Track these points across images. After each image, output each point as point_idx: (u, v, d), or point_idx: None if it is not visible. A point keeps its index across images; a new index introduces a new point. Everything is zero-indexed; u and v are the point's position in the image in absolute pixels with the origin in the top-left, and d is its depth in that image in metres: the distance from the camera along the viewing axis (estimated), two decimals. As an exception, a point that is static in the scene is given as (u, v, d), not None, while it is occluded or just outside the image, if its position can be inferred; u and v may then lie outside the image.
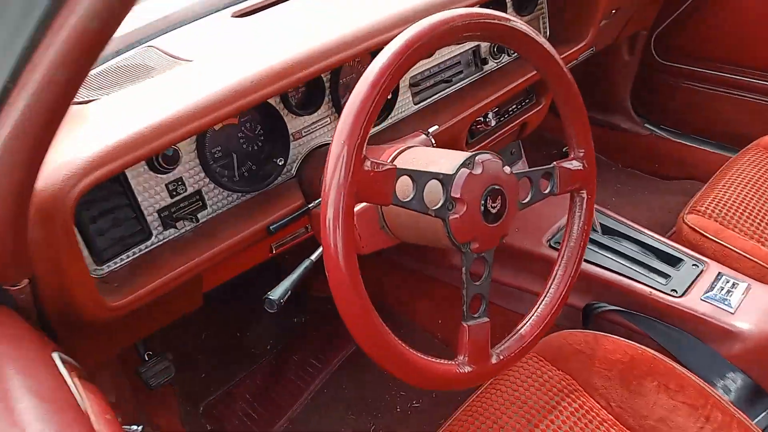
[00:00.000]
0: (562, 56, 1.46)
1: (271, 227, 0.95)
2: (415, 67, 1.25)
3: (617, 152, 2.38)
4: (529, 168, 1.68)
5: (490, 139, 1.45)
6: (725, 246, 1.40)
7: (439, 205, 0.79)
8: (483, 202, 0.81)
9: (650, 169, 2.31)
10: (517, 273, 1.49)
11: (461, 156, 0.82)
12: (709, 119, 2.17)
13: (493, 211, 0.83)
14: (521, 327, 0.93)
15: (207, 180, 0.97)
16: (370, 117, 0.69)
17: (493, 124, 1.41)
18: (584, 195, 0.98)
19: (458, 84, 1.34)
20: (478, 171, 0.81)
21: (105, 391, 1.33)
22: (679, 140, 2.25)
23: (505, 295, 1.54)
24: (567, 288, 0.97)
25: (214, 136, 0.99)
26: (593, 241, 1.40)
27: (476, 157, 0.82)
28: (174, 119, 0.82)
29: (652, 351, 1.13)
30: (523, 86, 1.40)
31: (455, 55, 1.32)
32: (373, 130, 1.19)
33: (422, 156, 0.90)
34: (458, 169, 0.80)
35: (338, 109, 1.12)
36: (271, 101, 1.02)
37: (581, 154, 0.96)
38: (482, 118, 1.39)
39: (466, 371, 0.83)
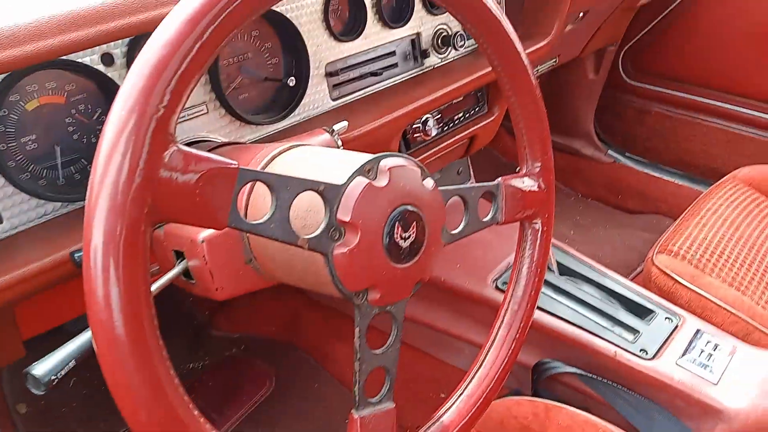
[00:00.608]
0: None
1: (76, 255, 0.65)
2: (336, 53, 0.97)
3: (577, 180, 2.16)
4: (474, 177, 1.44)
5: (430, 152, 1.19)
6: (702, 296, 1.17)
7: (318, 231, 0.51)
8: (388, 230, 0.54)
9: (612, 200, 2.10)
10: (455, 318, 1.23)
11: (359, 159, 0.55)
12: (679, 148, 1.97)
13: (404, 244, 0.55)
14: (444, 412, 0.65)
15: (2, 182, 0.67)
16: (188, 71, 0.41)
17: (433, 134, 1.15)
18: (538, 226, 0.71)
19: (391, 80, 1.07)
20: (382, 182, 0.54)
21: None
22: (645, 170, 2.05)
23: (442, 344, 1.28)
24: (510, 355, 0.70)
25: (25, 117, 0.70)
26: (548, 284, 1.16)
27: (381, 162, 0.54)
28: None
29: (616, 429, 0.90)
30: (472, 87, 1.15)
31: (389, 42, 1.05)
32: (270, 129, 0.91)
33: (309, 159, 0.63)
34: (351, 178, 0.52)
35: (219, 95, 0.83)
36: (112, 74, 0.73)
37: (537, 169, 0.70)
38: (421, 126, 1.13)
39: None
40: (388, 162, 0.55)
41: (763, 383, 0.94)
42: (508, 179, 0.68)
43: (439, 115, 1.18)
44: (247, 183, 0.45)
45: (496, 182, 0.67)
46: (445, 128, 1.20)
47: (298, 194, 0.48)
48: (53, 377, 0.53)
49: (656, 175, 2.02)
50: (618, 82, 2.05)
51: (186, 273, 0.64)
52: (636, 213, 2.03)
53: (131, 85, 0.40)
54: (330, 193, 0.51)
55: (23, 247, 0.67)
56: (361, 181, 0.52)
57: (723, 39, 1.77)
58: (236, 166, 0.45)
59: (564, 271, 1.21)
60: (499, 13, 0.63)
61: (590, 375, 1.04)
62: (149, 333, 0.40)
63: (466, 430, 0.65)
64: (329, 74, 0.97)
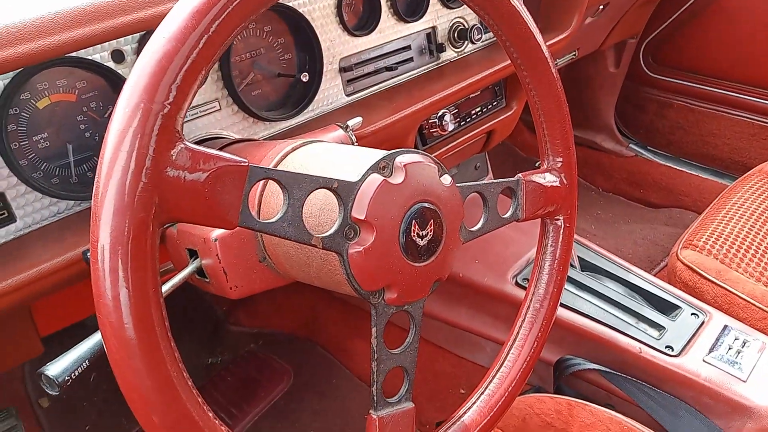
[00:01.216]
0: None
1: (88, 253, 0.64)
2: (350, 48, 0.96)
3: (598, 175, 2.12)
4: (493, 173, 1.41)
5: (447, 147, 1.17)
6: (729, 291, 1.14)
7: (332, 230, 0.49)
8: (405, 228, 0.52)
9: (635, 195, 2.06)
10: (475, 314, 1.21)
11: (374, 156, 0.53)
12: (703, 141, 1.92)
13: (422, 242, 0.54)
14: (464, 412, 0.64)
15: (14, 180, 0.67)
16: (194, 66, 0.40)
17: (450, 129, 1.13)
18: (560, 222, 0.69)
19: (406, 74, 1.05)
20: (398, 179, 0.52)
21: None
22: (667, 164, 2.00)
23: (462, 341, 1.26)
24: (532, 353, 0.68)
25: (36, 115, 0.69)
26: (570, 280, 1.13)
27: (397, 158, 0.53)
28: None
29: (641, 426, 0.87)
30: (489, 81, 1.13)
31: (404, 36, 1.03)
32: (284, 125, 0.89)
33: (322, 155, 0.61)
34: (366, 175, 0.51)
35: (232, 92, 0.82)
36: (123, 71, 0.73)
37: (558, 165, 0.68)
38: (437, 121, 1.10)
39: None
40: (403, 158, 0.53)
41: (795, 381, 0.91)
42: (529, 175, 0.66)
43: (456, 110, 1.16)
44: (258, 181, 0.44)
45: (515, 178, 0.65)
46: (462, 123, 1.18)
47: (311, 192, 0.47)
48: (67, 378, 0.52)
49: (679, 168, 1.97)
50: (639, 75, 2.00)
51: (200, 272, 0.63)
52: (659, 207, 1.99)
53: (135, 81, 0.39)
54: (344, 191, 0.49)
55: (36, 246, 0.66)
56: (376, 179, 0.51)
57: (745, 30, 1.72)
58: (246, 164, 0.43)
59: (586, 266, 1.18)
60: (519, 4, 0.61)
61: (614, 372, 1.01)
62: (160, 335, 0.39)
63: (488, 429, 0.64)
64: (343, 69, 0.96)
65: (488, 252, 1.22)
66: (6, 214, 0.67)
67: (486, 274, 1.18)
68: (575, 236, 1.21)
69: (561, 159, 0.68)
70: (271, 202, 0.58)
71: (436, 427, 0.66)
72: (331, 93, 0.95)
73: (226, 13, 0.41)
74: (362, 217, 0.49)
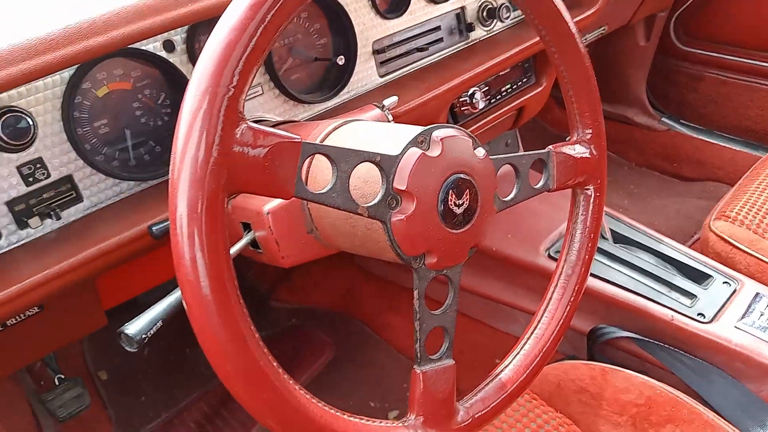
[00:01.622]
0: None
1: (154, 228, 0.69)
2: (382, 30, 1.00)
3: (630, 149, 2.12)
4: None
5: (478, 124, 1.20)
6: (762, 260, 1.15)
7: (376, 200, 0.54)
8: (443, 197, 0.56)
9: (667, 168, 2.05)
10: (508, 287, 1.24)
11: (412, 132, 0.57)
12: (735, 114, 1.90)
13: (458, 210, 0.58)
14: (501, 370, 0.68)
15: (81, 163, 0.73)
16: (253, 53, 0.44)
17: (481, 107, 1.16)
18: (590, 192, 0.72)
19: (437, 54, 1.09)
20: (435, 152, 0.56)
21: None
22: (700, 137, 1.99)
23: (496, 313, 1.30)
24: (565, 317, 0.72)
25: (97, 103, 0.75)
26: (602, 252, 1.15)
27: (434, 133, 0.57)
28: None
29: (674, 391, 0.90)
30: (518, 59, 1.15)
31: (434, 17, 1.06)
32: (322, 107, 0.94)
33: (363, 133, 0.65)
34: (406, 149, 0.55)
35: (273, 77, 0.87)
36: (173, 60, 0.78)
37: (588, 136, 0.71)
38: (468, 99, 1.13)
39: None
40: (440, 133, 0.57)
41: (827, 344, 0.93)
42: (559, 147, 0.69)
43: (487, 88, 1.18)
44: (310, 155, 0.49)
45: (546, 150, 0.68)
46: (493, 100, 1.21)
47: (356, 165, 0.51)
48: (144, 336, 0.58)
49: (712, 141, 1.96)
50: (670, 49, 1.99)
51: (253, 243, 0.68)
52: (692, 180, 1.98)
53: (203, 68, 0.44)
54: (386, 164, 0.54)
55: (103, 223, 0.72)
56: (415, 152, 0.55)
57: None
58: (300, 140, 0.48)
59: (618, 238, 1.21)
60: None
61: (647, 339, 1.04)
62: (231, 292, 0.44)
63: (523, 387, 0.68)
64: (376, 51, 1.00)
65: (520, 226, 1.25)
66: (74, 195, 0.73)
67: (519, 248, 1.21)
68: (607, 209, 1.23)
69: (590, 131, 0.71)
70: (317, 176, 0.62)
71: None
72: (366, 75, 0.99)
73: (279, 4, 0.46)
74: (403, 188, 0.54)
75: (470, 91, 1.14)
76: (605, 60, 2.07)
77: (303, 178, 0.63)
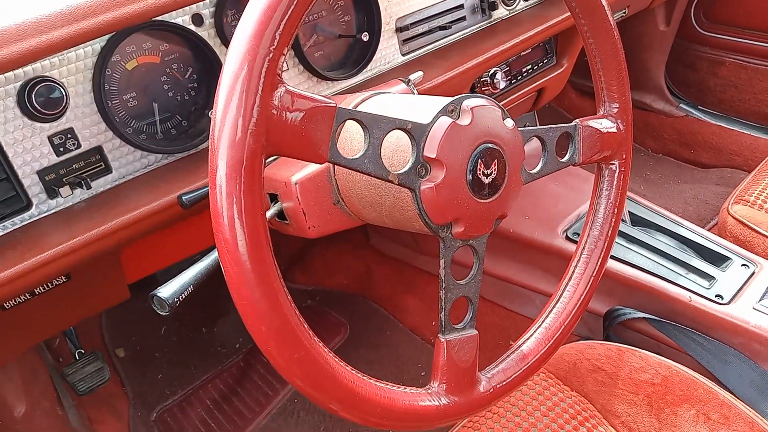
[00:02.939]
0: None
1: (184, 198, 0.70)
2: (406, 8, 1.00)
3: (648, 136, 2.11)
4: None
5: (498, 105, 1.19)
6: (781, 243, 1.14)
7: (406, 168, 0.54)
8: (471, 166, 0.57)
9: (685, 155, 2.04)
10: (526, 269, 1.25)
11: (442, 101, 0.57)
12: (755, 99, 1.89)
13: (487, 180, 0.58)
14: (523, 342, 0.69)
15: (110, 134, 0.74)
16: (293, 16, 0.45)
17: (502, 87, 1.16)
18: (615, 167, 0.72)
19: (459, 33, 1.09)
20: (465, 121, 0.56)
21: (10, 401, 1.12)
22: (719, 123, 1.97)
23: (511, 294, 1.31)
24: (587, 292, 0.72)
25: (126, 76, 0.76)
26: (620, 234, 1.16)
27: (464, 102, 0.57)
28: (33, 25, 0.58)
29: (690, 371, 0.91)
30: (540, 38, 1.15)
31: (457, -4, 1.06)
32: (345, 84, 0.94)
33: (392, 104, 0.66)
34: (436, 118, 0.55)
35: (299, 52, 0.88)
36: (202, 33, 0.78)
37: (615, 110, 0.71)
38: (489, 79, 1.13)
39: (441, 404, 0.59)
40: (470, 102, 0.58)
41: None
42: (586, 120, 0.69)
43: (507, 68, 1.18)
44: (344, 121, 0.49)
45: (573, 123, 0.68)
46: (513, 81, 1.21)
47: (388, 132, 0.52)
48: (176, 299, 0.59)
49: (731, 127, 1.94)
50: (690, 33, 1.97)
51: (280, 215, 0.69)
52: (709, 167, 1.97)
53: (244, 30, 0.44)
54: (417, 132, 0.54)
55: (132, 194, 0.74)
56: (446, 121, 0.55)
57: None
58: (334, 105, 0.48)
59: (637, 221, 1.21)
60: None
61: (663, 320, 1.04)
62: (267, 253, 0.45)
63: (544, 360, 0.69)
64: (399, 29, 1.00)
65: (538, 208, 1.25)
66: (103, 166, 0.74)
67: (536, 229, 1.21)
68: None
69: (617, 105, 0.71)
70: (349, 143, 0.63)
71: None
72: (388, 53, 0.99)
73: None
74: (433, 156, 0.54)
75: (491, 71, 1.14)
76: (625, 45, 2.02)
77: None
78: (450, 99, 0.57)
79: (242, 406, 1.39)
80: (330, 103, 0.48)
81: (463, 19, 1.09)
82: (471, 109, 0.57)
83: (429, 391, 0.59)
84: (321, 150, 0.48)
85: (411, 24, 1.01)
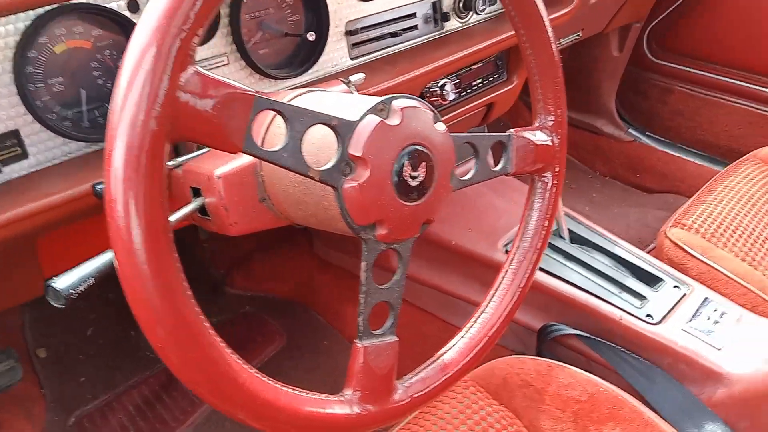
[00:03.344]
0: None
1: (97, 186, 0.67)
2: (356, 12, 0.99)
3: (597, 159, 2.15)
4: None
5: (447, 117, 1.20)
6: (713, 267, 1.18)
7: (330, 165, 0.53)
8: (398, 167, 0.56)
9: (632, 179, 2.09)
10: (465, 281, 1.25)
11: (373, 100, 0.56)
12: (701, 128, 1.95)
13: (413, 183, 0.57)
14: (445, 351, 0.68)
15: (29, 119, 0.70)
16: None
17: (451, 99, 1.16)
18: (548, 179, 0.73)
19: (410, 42, 1.08)
20: (394, 121, 0.55)
21: None
22: (665, 150, 2.03)
23: (452, 307, 1.30)
24: (513, 303, 0.72)
25: (53, 60, 0.72)
26: (558, 250, 1.16)
27: (394, 102, 0.56)
28: None
29: (617, 390, 0.92)
30: (491, 52, 1.16)
31: (410, 4, 1.06)
32: (289, 83, 0.93)
33: (324, 100, 0.65)
34: (364, 116, 0.54)
35: (240, 47, 0.86)
36: (136, 20, 0.76)
37: (550, 123, 0.72)
38: (439, 90, 1.13)
39: (353, 412, 0.57)
40: (401, 102, 0.57)
41: (766, 349, 0.95)
42: (521, 131, 0.69)
43: (458, 81, 1.19)
44: (262, 110, 0.48)
45: (507, 133, 0.68)
46: (463, 94, 1.21)
47: (311, 126, 0.50)
48: (72, 291, 0.56)
49: (676, 154, 2.00)
50: (642, 61, 2.02)
51: (202, 211, 0.67)
52: (654, 192, 2.02)
53: (157, 5, 0.42)
54: (343, 129, 0.53)
55: (47, 181, 0.70)
56: (374, 119, 0.54)
57: (748, 18, 1.74)
58: (253, 93, 0.47)
59: (576, 239, 1.22)
60: None
61: (594, 337, 1.05)
62: (164, 241, 0.43)
63: (465, 371, 0.68)
64: (349, 33, 0.99)
65: (481, 221, 1.26)
66: (20, 151, 0.70)
67: (478, 242, 1.22)
68: (566, 210, 1.25)
69: (552, 117, 0.71)
70: (273, 138, 0.61)
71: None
72: (336, 55, 0.98)
73: None
74: (359, 154, 0.53)
75: (441, 82, 1.14)
76: (578, 69, 2.10)
77: (260, 138, 0.62)
78: (381, 98, 0.56)
79: (166, 413, 1.34)
80: (248, 90, 0.46)
81: (415, 28, 1.09)
82: (401, 109, 0.56)
83: (341, 398, 0.57)
84: (234, 139, 0.46)
85: (361, 29, 1.00)
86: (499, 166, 0.68)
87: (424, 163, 0.57)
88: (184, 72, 0.43)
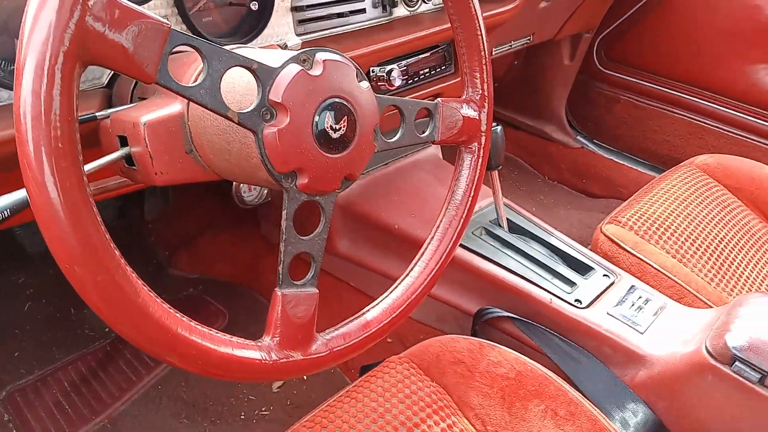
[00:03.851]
0: (488, 15, 1.26)
1: None
2: (304, -10, 1.00)
3: (545, 164, 2.21)
4: (443, 154, 1.48)
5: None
6: (643, 260, 1.22)
7: (249, 109, 0.54)
8: (318, 117, 0.57)
9: (578, 185, 2.15)
10: (403, 265, 1.26)
11: (296, 51, 0.58)
12: (644, 137, 2.03)
13: (335, 135, 0.58)
14: (368, 310, 0.69)
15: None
16: None
17: (397, 85, 1.18)
18: (474, 151, 0.75)
19: (357, 24, 1.10)
20: (316, 72, 0.57)
21: None
22: (610, 157, 2.10)
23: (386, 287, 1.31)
24: (437, 269, 0.74)
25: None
26: (496, 237, 1.19)
27: (317, 54, 0.58)
28: None
29: (544, 369, 0.94)
30: (437, 39, 1.18)
31: (358, -12, 1.08)
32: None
33: (252, 51, 0.65)
34: (286, 63, 0.55)
35: (182, 12, 0.86)
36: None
37: (477, 97, 0.74)
38: (385, 75, 1.15)
39: (270, 359, 0.58)
40: (324, 55, 0.58)
41: (685, 333, 0.99)
42: (448, 101, 0.72)
43: (405, 68, 1.21)
44: (179, 45, 0.48)
45: (434, 102, 0.70)
46: (410, 81, 1.24)
47: (230, 67, 0.51)
48: None
49: (620, 162, 2.07)
50: (591, 70, 2.10)
51: (129, 161, 0.67)
52: (599, 197, 2.08)
53: None
54: (263, 74, 0.54)
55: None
56: (295, 68, 0.55)
57: (692, 34, 1.83)
58: (169, 25, 0.47)
59: (514, 228, 1.25)
60: None
61: (524, 319, 1.08)
62: (74, 159, 0.43)
63: (386, 330, 0.69)
64: (295, 9, 1.00)
65: (424, 209, 1.28)
66: None
67: (419, 228, 1.24)
68: (505, 200, 1.28)
69: (479, 91, 0.74)
70: (187, 69, 0.62)
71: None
72: (282, 30, 0.99)
73: None
74: (278, 100, 0.54)
75: (388, 68, 1.16)
76: (531, 75, 2.16)
77: (185, 75, 0.62)
78: (304, 50, 0.57)
79: (102, 390, 1.32)
80: (165, 23, 0.47)
81: (362, 11, 1.10)
82: (323, 61, 0.57)
83: (259, 344, 0.58)
84: (147, 69, 0.46)
85: (307, 6, 1.02)
86: (426, 133, 0.70)
87: (345, 117, 0.59)
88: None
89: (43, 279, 1.45)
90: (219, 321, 1.45)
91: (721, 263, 1.26)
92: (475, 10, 0.71)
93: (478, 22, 0.72)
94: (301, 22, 1.02)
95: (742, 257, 1.30)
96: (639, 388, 0.99)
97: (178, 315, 0.51)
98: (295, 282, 0.60)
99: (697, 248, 1.29)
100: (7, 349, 1.37)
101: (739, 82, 1.77)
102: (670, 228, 1.32)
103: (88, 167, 0.60)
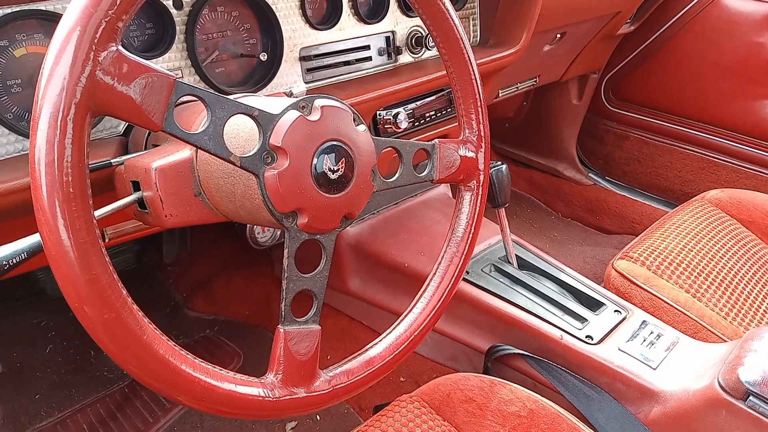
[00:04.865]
0: (491, 59, 1.30)
1: None
2: (311, 39, 1.05)
3: (559, 201, 2.22)
4: (452, 192, 1.50)
5: (400, 146, 1.25)
6: (655, 295, 1.21)
7: (251, 153, 0.57)
8: (317, 160, 0.60)
9: (591, 221, 2.15)
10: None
11: (295, 98, 0.61)
12: (655, 173, 2.04)
13: (333, 176, 0.61)
14: (371, 347, 0.70)
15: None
16: None
17: (404, 127, 1.22)
18: (472, 189, 0.77)
19: (363, 71, 1.14)
20: (314, 117, 0.60)
21: None
22: (623, 193, 2.11)
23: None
24: (440, 305, 0.75)
25: (12, 63, 0.77)
26: (506, 275, 1.20)
27: (315, 101, 0.61)
28: None
29: (557, 407, 0.94)
30: (442, 83, 1.22)
31: (365, 36, 1.13)
32: (235, 97, 0.97)
33: (254, 99, 0.69)
34: (286, 110, 0.59)
35: (195, 63, 0.91)
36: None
37: (473, 137, 0.76)
38: (392, 118, 1.19)
39: (273, 396, 0.59)
40: (321, 101, 0.61)
41: (698, 368, 0.98)
42: (445, 142, 0.74)
43: (411, 111, 1.25)
44: (184, 95, 0.52)
45: (432, 143, 0.73)
46: (416, 124, 1.27)
47: (232, 114, 0.55)
48: (5, 263, 0.58)
49: (633, 197, 2.08)
50: (600, 108, 2.12)
51: (141, 205, 0.70)
52: (612, 233, 2.08)
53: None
54: (264, 120, 0.57)
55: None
56: (294, 114, 0.59)
57: (698, 71, 1.86)
58: (174, 77, 0.51)
59: (524, 265, 1.26)
60: (446, 6, 0.71)
61: (535, 357, 1.08)
62: (84, 200, 0.46)
63: (390, 367, 0.70)
64: (303, 58, 1.05)
65: (434, 246, 1.30)
66: None
67: (429, 265, 1.24)
68: (513, 236, 1.29)
69: (476, 131, 0.76)
70: (194, 117, 0.65)
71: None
72: (290, 79, 1.04)
73: None
74: (278, 144, 0.57)
75: (395, 111, 1.20)
76: (541, 115, 2.19)
77: (188, 123, 0.66)
78: (303, 97, 0.61)
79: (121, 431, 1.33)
80: (169, 75, 0.51)
81: (368, 59, 1.15)
82: (321, 107, 0.60)
83: (262, 381, 0.59)
84: (154, 117, 0.50)
85: (315, 55, 1.06)
86: (425, 173, 0.72)
87: (343, 159, 0.61)
88: (105, 52, 0.47)
89: (64, 322, 1.49)
90: (234, 361, 1.47)
91: (736, 297, 1.25)
92: (469, 57, 0.74)
93: (472, 68, 0.75)
94: (309, 70, 1.06)
95: (758, 291, 1.29)
96: (653, 425, 0.98)
97: (182, 352, 0.53)
98: (297, 319, 0.62)
99: (711, 282, 1.28)
100: (28, 390, 1.39)
101: (746, 117, 1.78)
102: (682, 263, 1.32)
103: (102, 211, 0.64)
